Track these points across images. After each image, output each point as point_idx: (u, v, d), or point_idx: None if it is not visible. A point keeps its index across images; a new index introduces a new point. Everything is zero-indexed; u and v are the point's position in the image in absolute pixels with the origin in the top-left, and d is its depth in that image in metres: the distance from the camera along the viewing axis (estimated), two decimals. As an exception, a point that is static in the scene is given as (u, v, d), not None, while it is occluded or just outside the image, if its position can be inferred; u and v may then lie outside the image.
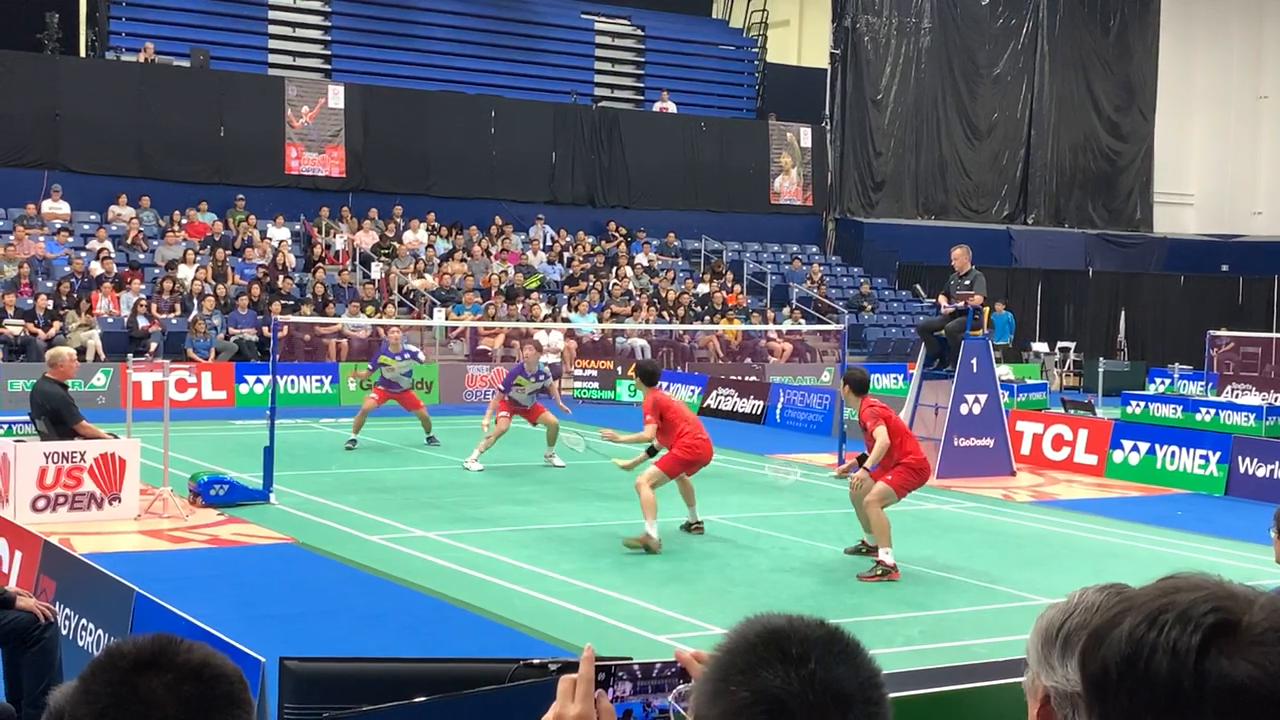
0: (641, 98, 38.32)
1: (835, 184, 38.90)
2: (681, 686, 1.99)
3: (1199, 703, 1.39)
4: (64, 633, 7.68)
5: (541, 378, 18.93)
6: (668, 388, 27.24)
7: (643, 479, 12.98)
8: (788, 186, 38.27)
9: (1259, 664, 1.40)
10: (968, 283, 18.53)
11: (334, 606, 10.50)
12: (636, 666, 2.02)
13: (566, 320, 29.53)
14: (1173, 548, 13.84)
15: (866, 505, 12.42)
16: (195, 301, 27.06)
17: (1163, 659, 1.43)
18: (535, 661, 2.79)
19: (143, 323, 25.89)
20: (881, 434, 12.25)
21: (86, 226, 29.64)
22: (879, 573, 11.97)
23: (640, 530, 12.77)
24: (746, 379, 27.34)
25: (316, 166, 32.28)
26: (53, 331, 24.85)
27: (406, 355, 20.34)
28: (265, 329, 25.69)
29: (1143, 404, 26.35)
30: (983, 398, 18.50)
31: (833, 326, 28.52)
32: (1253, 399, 26.58)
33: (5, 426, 14.39)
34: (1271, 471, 17.35)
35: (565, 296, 31.22)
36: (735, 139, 37.53)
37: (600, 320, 29.81)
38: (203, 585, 10.67)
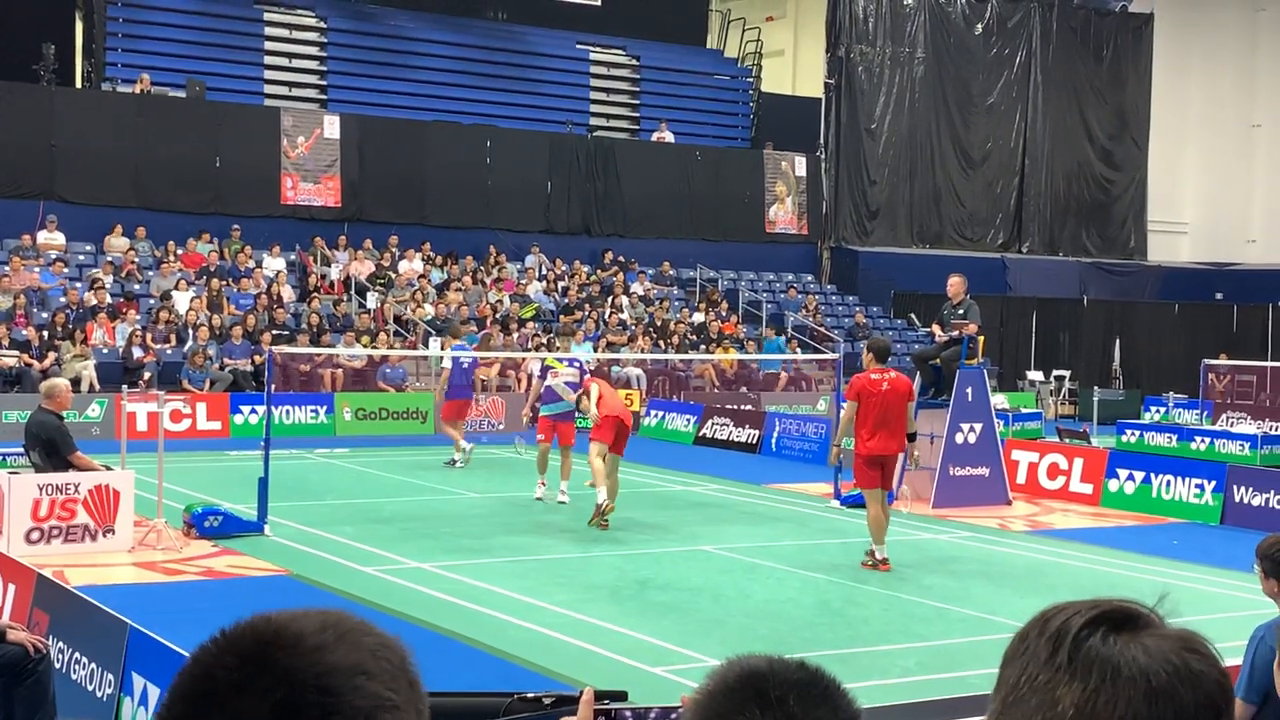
0: (637, 127, 38.42)
1: (830, 213, 38.98)
2: None
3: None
4: (57, 666, 7.65)
5: (575, 364, 17.85)
6: (663, 417, 27.28)
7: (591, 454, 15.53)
8: (783, 215, 38.34)
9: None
10: (961, 311, 18.55)
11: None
12: (629, 712, 2.00)
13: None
14: (1168, 577, 13.81)
15: None
16: (190, 332, 27.04)
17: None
18: (530, 695, 2.78)
19: (138, 353, 25.87)
20: (845, 408, 13.20)
21: (82, 257, 29.65)
22: (869, 563, 13.48)
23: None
24: (742, 408, 27.34)
25: (312, 196, 32.32)
26: (48, 362, 24.82)
27: (575, 362, 18.06)
28: (259, 358, 25.66)
29: (1138, 433, 26.35)
30: (978, 427, 18.50)
31: (828, 355, 28.50)
32: (1248, 428, 26.59)
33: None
34: (1267, 500, 17.33)
35: (561, 326, 31.22)
36: (730, 168, 37.61)
37: (596, 350, 29.80)
38: (197, 618, 10.62)
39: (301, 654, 1.41)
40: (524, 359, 27.54)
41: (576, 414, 17.61)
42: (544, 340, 29.90)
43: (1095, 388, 30.92)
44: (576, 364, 18.05)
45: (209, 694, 1.39)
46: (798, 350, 32.62)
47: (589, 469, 15.93)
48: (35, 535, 13.14)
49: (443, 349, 23.39)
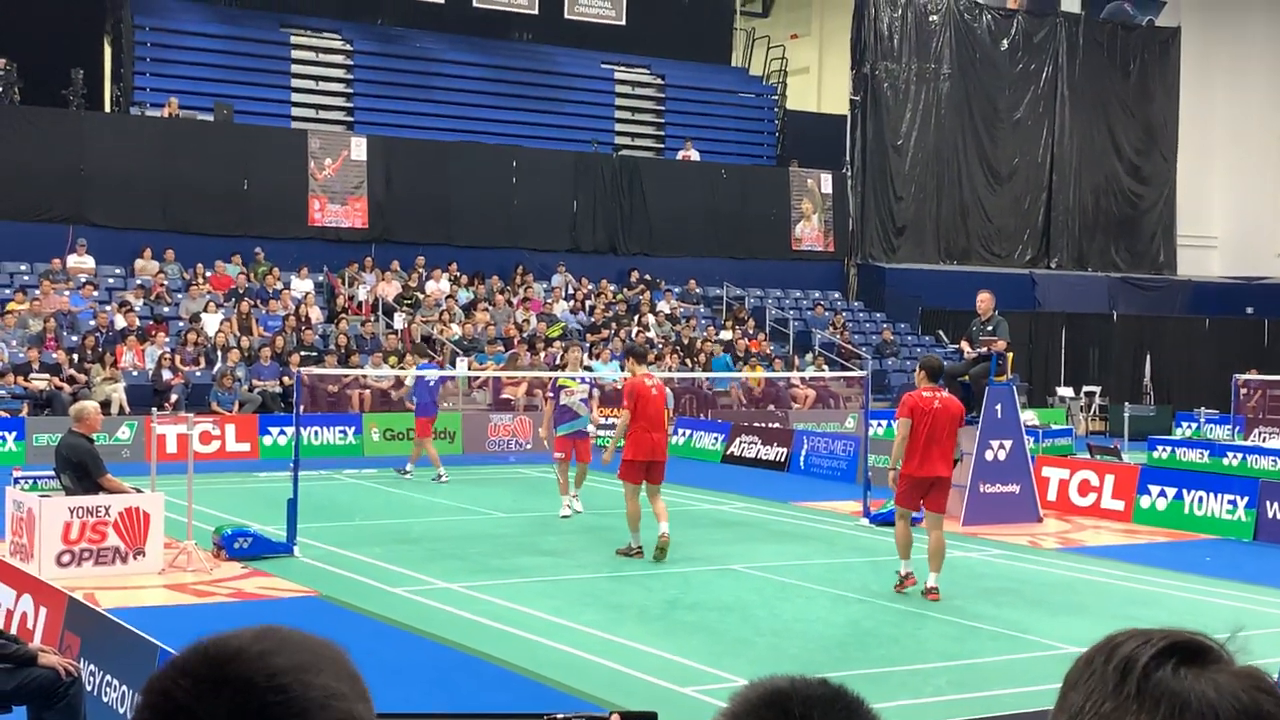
0: (662, 146, 38.47)
1: (857, 230, 38.91)
2: None
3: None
4: (89, 689, 7.66)
5: (586, 381, 18.19)
6: (690, 436, 27.22)
7: (626, 496, 14.96)
8: (809, 232, 38.30)
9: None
10: (990, 328, 18.49)
11: (358, 660, 10.37)
12: None
13: (589, 369, 29.51)
14: (1201, 594, 13.71)
15: None
16: (219, 354, 27.15)
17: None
18: (560, 716, 2.76)
19: (167, 376, 25.99)
20: (897, 426, 13.01)
21: (111, 280, 29.82)
22: (898, 581, 13.32)
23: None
24: (770, 426, 27.27)
25: (339, 218, 32.45)
26: (78, 385, 24.95)
27: (585, 379, 18.56)
28: (287, 379, 25.73)
29: (1169, 449, 26.19)
30: (1008, 443, 18.40)
31: (856, 373, 28.44)
32: (1280, 442, 26.40)
33: (30, 481, 14.42)
34: (1301, 515, 17.19)
35: (588, 345, 31.24)
36: (756, 186, 37.61)
37: (623, 368, 29.77)
38: (227, 639, 10.59)
39: (248, 662, 1.49)
40: (548, 379, 27.58)
41: (597, 434, 17.76)
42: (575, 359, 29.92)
43: (1126, 404, 30.75)
44: (587, 381, 18.43)
45: (171, 714, 1.46)
46: (825, 368, 32.55)
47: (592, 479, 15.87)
48: (66, 558, 13.18)
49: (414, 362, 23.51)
